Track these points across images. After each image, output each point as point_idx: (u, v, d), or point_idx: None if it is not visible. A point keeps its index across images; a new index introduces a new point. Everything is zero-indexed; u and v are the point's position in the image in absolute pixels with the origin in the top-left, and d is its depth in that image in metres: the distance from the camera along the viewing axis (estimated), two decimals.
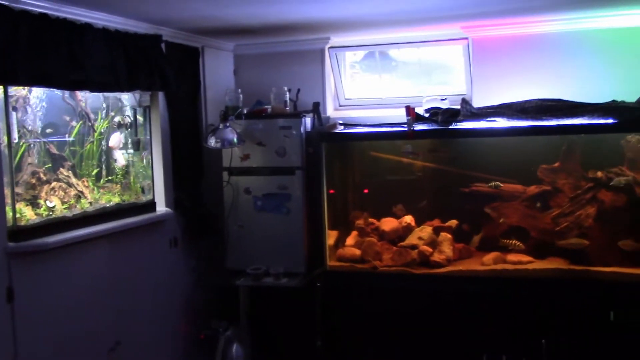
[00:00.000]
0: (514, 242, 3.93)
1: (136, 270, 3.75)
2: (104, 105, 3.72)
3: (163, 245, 4.04)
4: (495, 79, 4.36)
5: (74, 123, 3.47)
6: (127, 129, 3.84)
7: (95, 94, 3.55)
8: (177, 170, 4.15)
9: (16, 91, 3.04)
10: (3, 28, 2.79)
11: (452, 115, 3.97)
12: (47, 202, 3.20)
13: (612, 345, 3.55)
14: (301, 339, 4.20)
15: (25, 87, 3.08)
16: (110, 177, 3.73)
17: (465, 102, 4.05)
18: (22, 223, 2.99)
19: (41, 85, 3.05)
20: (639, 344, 3.51)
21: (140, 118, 3.92)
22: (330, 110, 4.85)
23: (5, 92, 2.91)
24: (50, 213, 3.19)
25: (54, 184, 3.30)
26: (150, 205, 3.93)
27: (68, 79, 3.14)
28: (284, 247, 4.18)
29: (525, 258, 3.86)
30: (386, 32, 4.55)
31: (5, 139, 2.91)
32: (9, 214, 2.92)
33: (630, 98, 3.79)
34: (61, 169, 3.37)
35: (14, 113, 2.99)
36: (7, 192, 2.91)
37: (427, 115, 4.10)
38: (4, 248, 2.85)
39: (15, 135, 3.00)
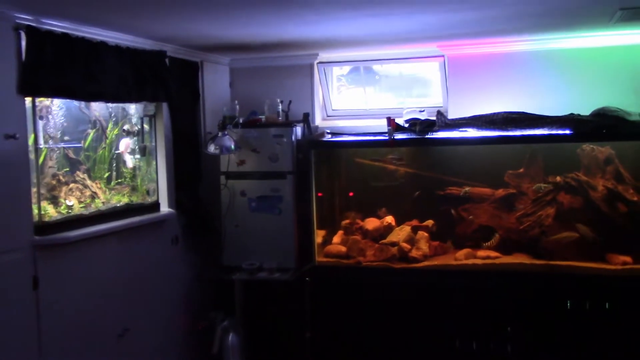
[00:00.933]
0: (493, 240, 4.31)
1: (142, 265, 4.07)
2: (111, 114, 4.04)
3: (165, 242, 4.35)
4: (469, 92, 4.71)
5: (88, 131, 3.84)
6: (134, 136, 4.20)
7: (102, 104, 3.90)
8: (178, 174, 4.44)
9: (40, 101, 3.38)
10: (32, 46, 3.16)
11: (428, 125, 4.31)
12: (67, 201, 3.57)
13: (568, 330, 3.92)
14: (292, 329, 4.51)
15: (49, 98, 3.45)
16: (119, 180, 4.09)
17: (440, 113, 4.42)
18: (46, 219, 3.35)
19: (63, 96, 3.40)
20: (591, 329, 3.88)
21: (146, 126, 4.28)
22: (319, 120, 5.17)
23: (33, 103, 3.28)
24: (69, 211, 3.55)
25: (71, 185, 3.65)
26: (155, 206, 4.26)
27: (86, 91, 3.49)
28: (276, 244, 4.46)
29: (493, 254, 4.20)
30: (370, 49, 4.87)
31: (32, 144, 3.29)
32: (35, 211, 3.27)
33: (585, 111, 4.14)
34: (78, 172, 3.72)
35: (40, 121, 3.36)
36: (33, 191, 3.28)
37: (406, 125, 4.41)
38: (31, 241, 3.18)
39: (41, 141, 3.36)
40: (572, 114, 4.14)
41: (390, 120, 4.31)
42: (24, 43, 3.14)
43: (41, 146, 3.37)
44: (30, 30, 3.15)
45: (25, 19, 3.16)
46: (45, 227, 3.30)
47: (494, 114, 4.23)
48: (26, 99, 3.20)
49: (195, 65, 4.73)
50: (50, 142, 3.50)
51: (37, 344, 3.22)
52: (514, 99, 4.54)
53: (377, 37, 4.28)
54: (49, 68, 3.23)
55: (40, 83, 3.19)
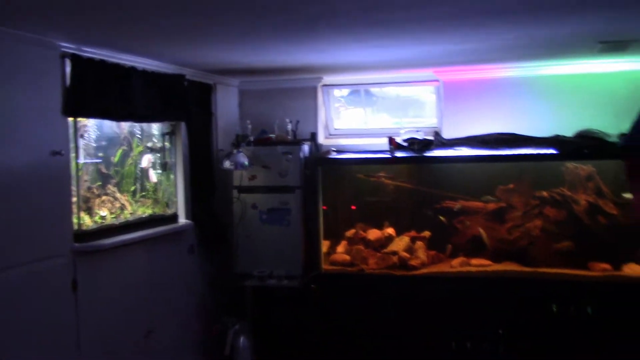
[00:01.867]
0: (485, 241, 4.61)
1: (163, 272, 4.39)
2: (134, 132, 4.36)
3: (183, 251, 4.66)
4: (462, 114, 5.03)
5: (119, 147, 4.18)
6: (157, 153, 4.55)
7: (129, 123, 4.24)
8: (194, 188, 4.75)
9: (79, 121, 3.73)
10: (75, 72, 3.52)
11: (426, 144, 4.66)
12: (100, 212, 3.90)
13: (555, 332, 4.26)
14: (299, 332, 4.81)
15: (88, 118, 3.79)
16: (143, 193, 4.43)
17: (437, 134, 4.80)
18: (84, 228, 3.68)
19: (101, 117, 3.77)
20: (576, 330, 4.23)
21: (167, 144, 4.63)
22: (321, 139, 5.45)
23: (75, 122, 3.63)
24: (103, 221, 3.89)
25: (103, 197, 4.00)
26: (174, 217, 4.59)
27: (120, 112, 3.85)
28: (285, 253, 4.79)
29: (485, 262, 4.55)
30: (370, 73, 5.21)
31: (73, 159, 3.62)
32: (75, 221, 3.61)
33: (569, 133, 4.50)
34: (109, 186, 4.07)
35: (80, 139, 3.70)
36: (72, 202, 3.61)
37: (405, 144, 4.74)
38: (71, 247, 3.52)
39: (81, 158, 3.71)
40: (557, 135, 4.50)
41: (392, 140, 4.67)
42: (68, 69, 3.48)
43: (81, 161, 3.70)
44: (75, 58, 3.50)
45: (69, 47, 3.51)
46: (83, 235, 3.63)
47: (487, 134, 4.59)
48: (69, 119, 3.54)
49: (209, 87, 5.05)
50: (87, 158, 3.83)
51: (76, 340, 3.54)
52: (504, 121, 4.85)
53: (378, 63, 4.63)
54: (89, 91, 3.58)
55: (82, 105, 3.54)
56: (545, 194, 4.56)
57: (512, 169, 4.68)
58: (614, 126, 4.32)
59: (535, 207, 4.57)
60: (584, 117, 4.65)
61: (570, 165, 4.53)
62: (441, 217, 4.77)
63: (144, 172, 4.44)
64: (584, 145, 4.35)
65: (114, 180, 4.12)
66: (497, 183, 4.69)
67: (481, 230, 4.63)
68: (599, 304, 4.23)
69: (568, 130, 4.57)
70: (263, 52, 4.03)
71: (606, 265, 4.36)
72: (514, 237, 4.58)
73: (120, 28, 3.22)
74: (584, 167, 4.52)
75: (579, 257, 4.42)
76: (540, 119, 4.83)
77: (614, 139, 4.29)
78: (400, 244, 4.81)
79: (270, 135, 5.02)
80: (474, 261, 4.61)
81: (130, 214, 4.17)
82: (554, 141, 4.44)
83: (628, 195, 4.33)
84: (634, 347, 4.14)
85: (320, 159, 4.89)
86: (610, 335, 4.18)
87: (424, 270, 4.65)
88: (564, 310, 4.26)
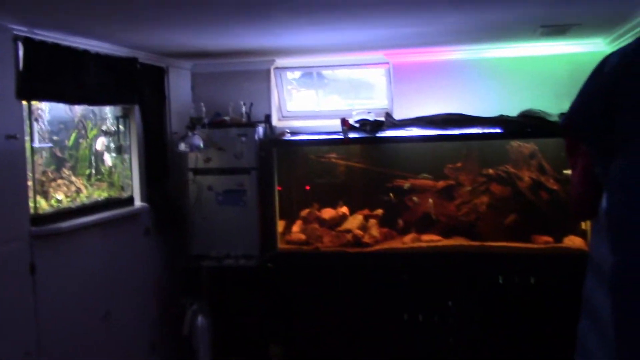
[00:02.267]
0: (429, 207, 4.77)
1: (120, 254, 4.40)
2: (87, 115, 4.37)
3: (139, 233, 4.68)
4: (412, 96, 5.14)
5: (73, 131, 4.18)
6: (111, 136, 4.55)
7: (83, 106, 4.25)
8: (149, 171, 4.76)
9: (33, 104, 3.71)
10: (28, 55, 3.50)
11: (378, 125, 4.80)
12: (56, 195, 3.91)
13: (501, 302, 4.48)
14: (256, 310, 4.91)
15: (42, 102, 3.78)
16: (99, 176, 4.44)
17: (388, 115, 4.94)
18: (40, 212, 3.68)
19: (55, 100, 3.76)
20: (520, 300, 4.46)
21: (121, 127, 4.64)
22: (275, 121, 5.50)
23: (29, 107, 3.62)
24: (59, 205, 3.90)
25: (59, 181, 4.00)
26: (130, 200, 4.60)
27: (74, 95, 3.85)
28: (241, 234, 4.83)
29: (435, 237, 4.74)
30: (322, 56, 5.29)
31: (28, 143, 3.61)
32: (31, 204, 3.61)
33: (513, 113, 4.68)
34: (64, 169, 4.07)
35: (35, 123, 3.69)
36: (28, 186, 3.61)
37: (357, 125, 4.89)
38: (28, 231, 3.51)
39: (36, 141, 3.70)
40: (501, 115, 4.69)
41: (345, 121, 4.79)
42: (21, 52, 3.46)
43: (36, 145, 3.70)
44: (27, 41, 3.48)
45: (21, 30, 3.48)
46: (40, 219, 3.63)
47: (435, 115, 4.74)
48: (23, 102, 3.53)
49: (162, 70, 5.03)
50: (42, 141, 3.83)
51: (35, 323, 3.54)
52: (451, 101, 4.99)
53: (330, 46, 4.72)
54: (43, 75, 3.57)
55: (35, 88, 3.53)
56: (491, 171, 4.75)
57: (459, 148, 4.85)
58: (554, 106, 4.53)
59: (482, 184, 4.76)
60: (526, 98, 4.82)
61: (514, 143, 4.72)
62: (390, 195, 4.91)
63: (99, 155, 4.44)
64: (527, 124, 4.54)
65: (68, 164, 4.12)
66: (446, 162, 4.86)
67: (430, 201, 4.79)
68: (541, 274, 4.47)
69: (512, 110, 4.74)
70: (216, 35, 4.08)
71: (548, 238, 4.59)
72: (462, 213, 4.76)
73: (73, 10, 3.22)
74: (527, 146, 4.71)
75: (523, 230, 4.63)
76: (486, 99, 4.98)
77: (554, 119, 4.49)
78: (354, 222, 4.95)
79: (225, 117, 5.05)
80: (425, 237, 4.78)
81: (86, 197, 4.18)
82: (498, 121, 4.63)
83: (568, 172, 4.55)
84: (572, 312, 4.37)
85: (275, 141, 4.98)
86: (551, 303, 4.42)
87: (377, 247, 4.79)
88: (509, 281, 4.48)
